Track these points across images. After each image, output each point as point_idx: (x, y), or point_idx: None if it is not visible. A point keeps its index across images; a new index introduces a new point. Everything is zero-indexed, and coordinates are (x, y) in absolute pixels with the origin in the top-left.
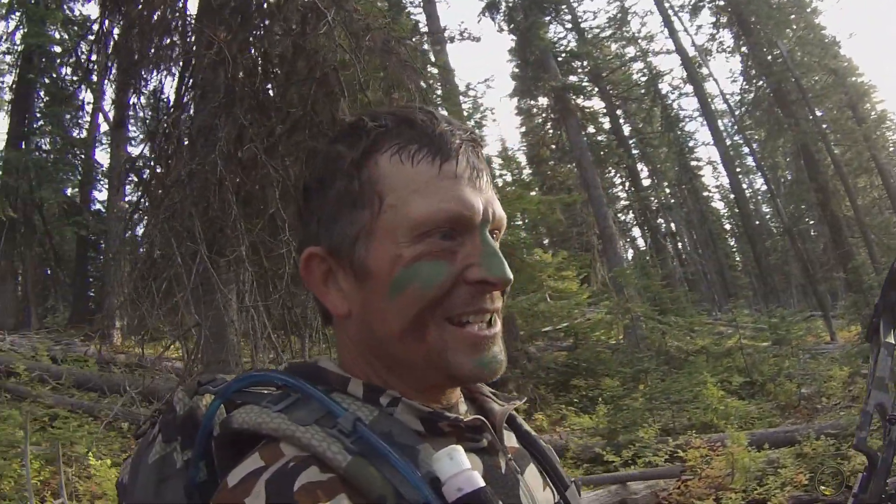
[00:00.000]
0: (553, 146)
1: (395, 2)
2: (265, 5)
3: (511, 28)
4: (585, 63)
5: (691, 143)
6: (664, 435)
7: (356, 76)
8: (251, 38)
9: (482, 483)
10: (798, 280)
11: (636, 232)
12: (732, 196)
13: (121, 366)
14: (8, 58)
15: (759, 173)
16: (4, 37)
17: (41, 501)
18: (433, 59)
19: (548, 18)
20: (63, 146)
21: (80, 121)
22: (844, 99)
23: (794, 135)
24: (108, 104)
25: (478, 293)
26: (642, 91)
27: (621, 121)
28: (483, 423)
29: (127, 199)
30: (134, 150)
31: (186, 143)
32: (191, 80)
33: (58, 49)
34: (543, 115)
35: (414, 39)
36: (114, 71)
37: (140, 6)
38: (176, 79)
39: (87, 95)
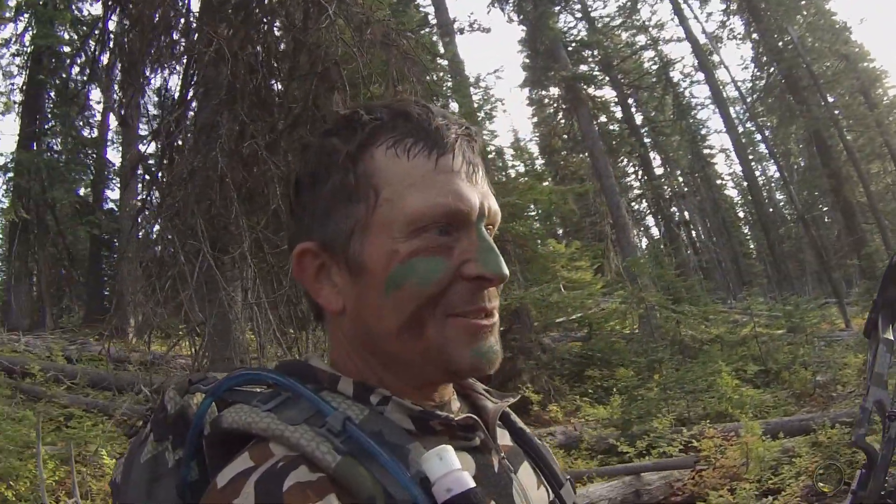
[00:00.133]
0: (565, 136)
1: None
2: (266, 1)
3: (521, 18)
4: (596, 52)
5: (703, 131)
6: (679, 425)
7: (359, 70)
8: (253, 34)
9: (472, 484)
10: (812, 267)
11: (650, 221)
12: (745, 184)
13: (135, 364)
14: (17, 59)
15: (772, 160)
16: (14, 38)
17: (56, 501)
18: (442, 50)
19: (557, 8)
20: (74, 146)
21: (91, 120)
22: (856, 84)
23: (806, 121)
24: (116, 103)
25: (475, 290)
26: (653, 79)
27: (633, 109)
28: (475, 421)
29: (139, 198)
30: (143, 149)
31: (191, 140)
32: (194, 78)
33: (67, 49)
34: (555, 105)
35: (424, 31)
36: (118, 70)
37: (139, 5)
38: (180, 76)
39: (97, 94)
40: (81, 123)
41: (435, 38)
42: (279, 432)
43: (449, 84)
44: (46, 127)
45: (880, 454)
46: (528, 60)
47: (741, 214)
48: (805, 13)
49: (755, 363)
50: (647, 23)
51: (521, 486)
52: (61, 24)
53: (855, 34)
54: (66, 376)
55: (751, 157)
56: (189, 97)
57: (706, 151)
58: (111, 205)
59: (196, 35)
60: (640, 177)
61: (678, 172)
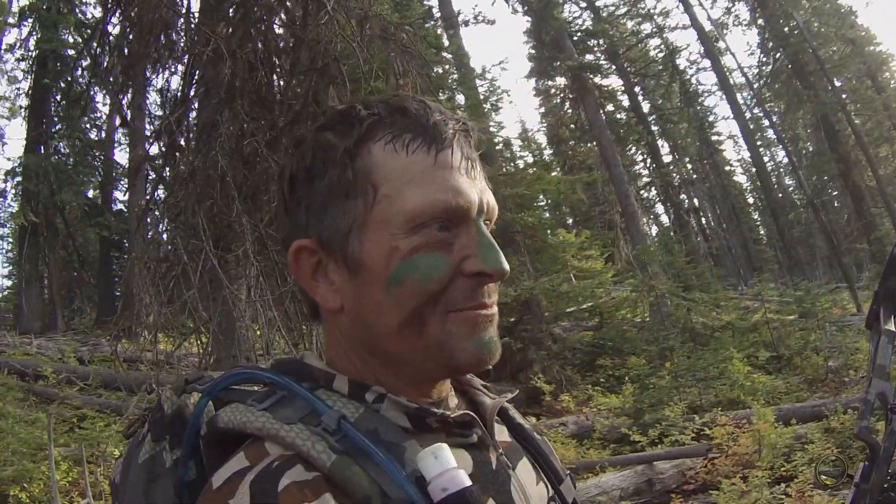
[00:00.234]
0: (572, 126)
1: None
2: None
3: (525, 9)
4: (601, 41)
5: (711, 118)
6: (691, 412)
7: (359, 65)
8: (252, 32)
9: (468, 483)
10: (823, 252)
11: (659, 209)
12: (754, 170)
13: (147, 364)
14: (22, 64)
15: (781, 146)
16: (18, 43)
17: (70, 502)
18: (447, 43)
19: None
20: (82, 148)
21: (97, 122)
22: (863, 68)
23: (813, 106)
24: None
25: (476, 285)
26: (660, 67)
27: (640, 98)
28: (472, 418)
29: (143, 199)
30: (147, 150)
31: (193, 140)
32: (194, 78)
33: (72, 52)
34: (561, 95)
35: (429, 24)
36: (118, 71)
37: (138, 7)
38: (181, 76)
39: (102, 96)
40: (88, 126)
41: (439, 31)
42: (274, 431)
43: (454, 76)
44: (53, 130)
45: (883, 447)
46: (533, 51)
47: (750, 200)
48: None
49: (767, 349)
50: (652, 11)
51: (519, 482)
52: (65, 27)
53: (861, 18)
54: (78, 377)
55: (759, 142)
56: (190, 96)
57: (714, 138)
58: (120, 206)
59: (195, 35)
60: (648, 165)
61: (686, 160)
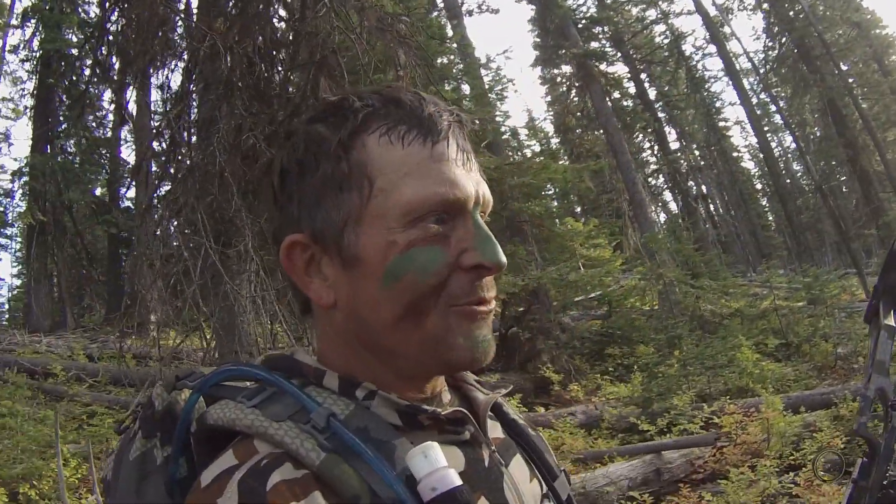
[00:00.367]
0: (578, 114)
1: None
2: None
3: None
4: (606, 28)
5: (718, 104)
6: (699, 401)
7: (358, 58)
8: (250, 26)
9: (458, 482)
10: (831, 237)
11: (667, 196)
12: (762, 155)
13: (156, 359)
14: (27, 64)
15: (788, 131)
16: (22, 44)
17: (79, 498)
18: (451, 33)
19: None
20: (88, 147)
21: (103, 120)
22: (869, 52)
23: (820, 90)
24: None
25: (474, 279)
26: (665, 53)
27: (646, 84)
28: (465, 414)
29: (145, 195)
30: (151, 146)
31: (193, 135)
32: (194, 74)
33: (75, 52)
34: (567, 83)
35: (433, 14)
36: (116, 68)
37: (135, 5)
38: (181, 73)
39: (108, 94)
40: (95, 124)
41: (443, 21)
42: (263, 429)
43: (459, 66)
44: (59, 129)
45: (882, 443)
46: (538, 39)
47: (758, 186)
48: None
49: (775, 336)
50: None
51: (512, 479)
52: (68, 27)
53: (866, 1)
54: (87, 375)
55: (766, 128)
56: (190, 92)
57: (721, 124)
58: (128, 203)
59: (193, 31)
60: (655, 152)
61: (694, 146)
